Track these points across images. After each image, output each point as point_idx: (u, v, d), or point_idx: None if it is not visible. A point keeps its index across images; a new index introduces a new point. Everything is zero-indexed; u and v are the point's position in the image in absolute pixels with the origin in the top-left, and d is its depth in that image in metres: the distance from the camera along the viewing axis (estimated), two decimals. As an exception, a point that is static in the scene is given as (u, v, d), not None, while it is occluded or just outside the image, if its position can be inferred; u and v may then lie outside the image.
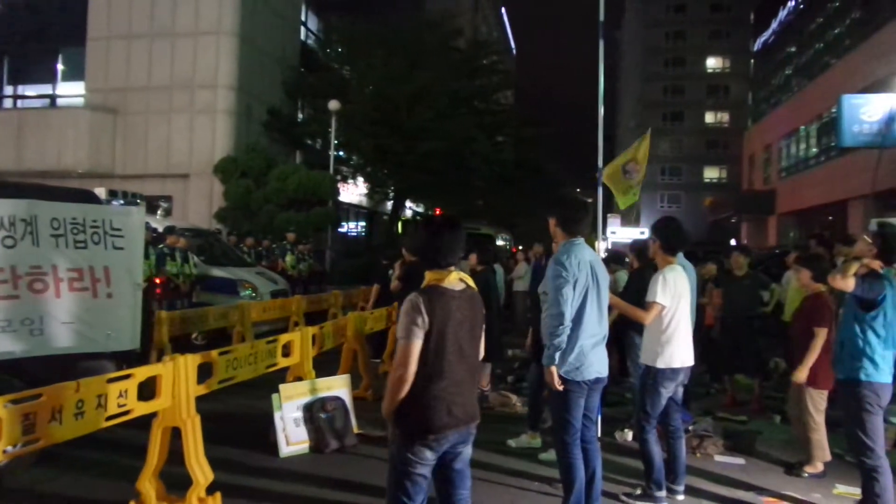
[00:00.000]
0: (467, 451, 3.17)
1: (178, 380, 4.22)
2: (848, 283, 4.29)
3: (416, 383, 2.95)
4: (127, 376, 3.88)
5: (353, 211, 29.93)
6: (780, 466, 5.75)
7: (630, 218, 61.29)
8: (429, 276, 3.10)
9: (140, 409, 3.96)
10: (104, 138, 21.17)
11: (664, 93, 68.25)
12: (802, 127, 32.82)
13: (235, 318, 9.36)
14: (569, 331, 4.09)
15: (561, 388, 4.14)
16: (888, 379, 4.41)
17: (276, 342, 5.68)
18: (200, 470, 4.27)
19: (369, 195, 26.93)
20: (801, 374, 5.41)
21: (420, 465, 2.98)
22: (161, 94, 21.07)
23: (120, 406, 3.77)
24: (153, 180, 20.48)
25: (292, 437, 5.70)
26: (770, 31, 43.70)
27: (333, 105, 20.06)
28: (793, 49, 39.40)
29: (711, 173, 66.13)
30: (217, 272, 11.54)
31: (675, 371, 4.72)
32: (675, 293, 4.68)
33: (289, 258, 14.96)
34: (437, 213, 31.71)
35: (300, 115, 25.35)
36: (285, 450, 5.62)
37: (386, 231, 28.71)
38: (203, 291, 11.18)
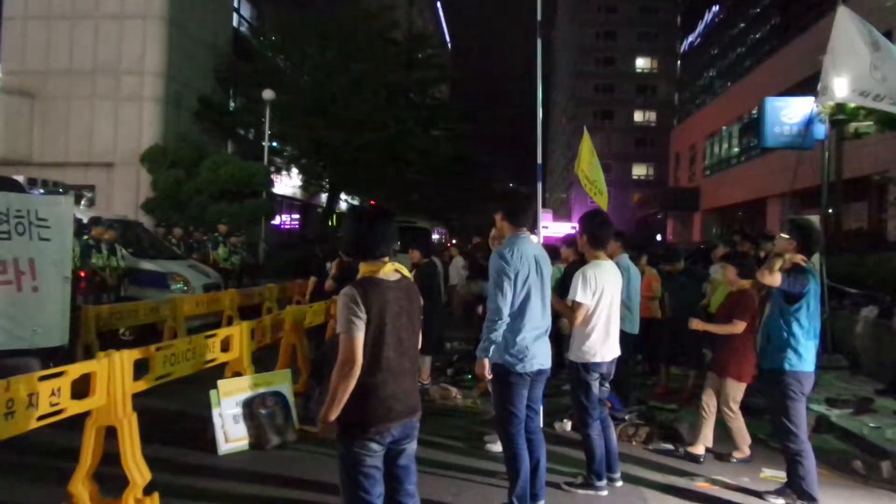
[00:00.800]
0: (412, 446, 3.16)
1: (114, 377, 4.06)
2: (775, 279, 4.51)
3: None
4: (59, 374, 3.71)
5: (286, 203, 29.41)
6: (709, 453, 5.99)
7: (562, 213, 62.50)
8: (363, 269, 3.06)
9: (73, 408, 3.79)
10: (20, 123, 20.08)
11: (595, 91, 69.79)
12: (725, 127, 34.22)
13: (167, 313, 9.05)
14: (505, 325, 4.14)
15: (490, 377, 4.22)
16: (811, 368, 4.66)
17: (214, 337, 5.53)
18: (137, 470, 4.13)
19: (304, 187, 26.53)
20: (695, 324, 5.81)
21: (369, 458, 2.96)
22: (83, 78, 20.13)
23: (52, 405, 3.60)
24: (74, 168, 19.54)
25: (231, 433, 5.57)
26: (696, 33, 45.34)
27: (267, 94, 19.62)
28: (716, 52, 41.00)
29: (639, 170, 68.06)
30: (146, 265, 11.13)
31: (597, 365, 4.75)
32: (595, 289, 4.69)
33: (221, 250, 14.57)
34: (372, 205, 31.55)
35: (232, 105, 24.71)
36: (224, 447, 5.49)
37: (320, 224, 28.35)
38: (131, 285, 10.76)
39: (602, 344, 4.73)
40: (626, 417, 6.45)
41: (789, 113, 12.83)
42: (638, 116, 69.61)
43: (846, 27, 7.55)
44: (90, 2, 20.15)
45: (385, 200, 27.42)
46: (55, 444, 4.93)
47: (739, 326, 5.60)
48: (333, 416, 2.91)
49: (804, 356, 4.58)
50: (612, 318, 4.78)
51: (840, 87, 7.60)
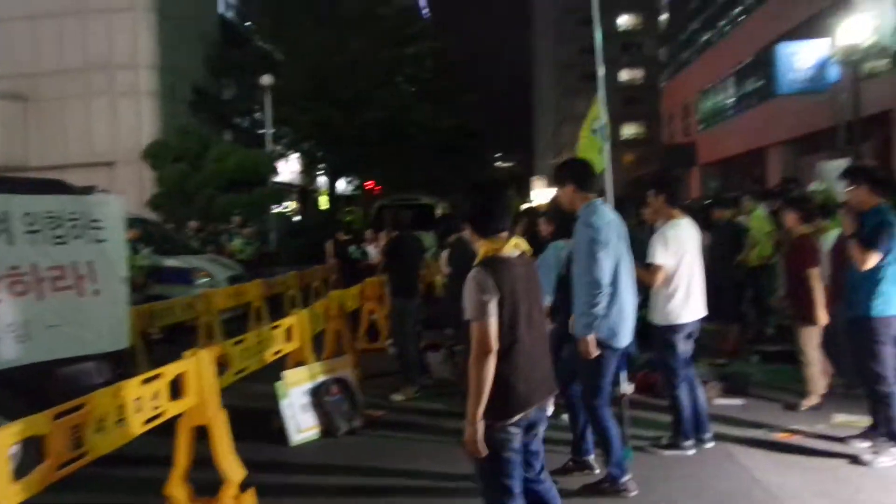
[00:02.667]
0: (542, 429, 3.09)
1: (203, 375, 3.98)
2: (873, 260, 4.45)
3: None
4: (157, 376, 3.63)
5: (283, 190, 29.19)
6: (775, 403, 5.98)
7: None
8: (485, 246, 2.91)
9: (172, 409, 3.71)
10: (15, 128, 19.78)
11: (579, 53, 69.05)
12: (721, 77, 33.89)
13: (201, 308, 8.95)
14: (606, 297, 4.01)
15: (597, 353, 4.08)
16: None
17: (279, 328, 5.46)
18: (231, 467, 4.07)
19: (304, 172, 26.31)
20: (822, 316, 5.57)
21: (510, 443, 2.88)
22: (76, 77, 19.82)
23: (155, 408, 3.53)
24: (75, 170, 19.08)
25: (302, 423, 5.52)
26: (679, -16, 44.59)
27: (266, 80, 19.29)
28: (702, 2, 40.41)
29: (629, 130, 67.62)
30: (169, 262, 10.99)
31: (681, 326, 4.71)
32: (676, 249, 4.65)
33: (237, 242, 14.41)
34: (370, 185, 31.28)
35: (225, 93, 24.37)
36: (296, 437, 5.44)
37: (319, 209, 28.15)
38: (155, 283, 10.62)
39: (684, 304, 4.67)
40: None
41: (801, 58, 12.72)
42: (624, 75, 68.95)
43: None
44: (74, -2, 19.76)
45: (385, 179, 27.21)
46: (130, 455, 4.79)
47: (815, 274, 5.54)
48: (481, 410, 2.77)
49: (890, 301, 4.54)
50: (693, 277, 4.72)
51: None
